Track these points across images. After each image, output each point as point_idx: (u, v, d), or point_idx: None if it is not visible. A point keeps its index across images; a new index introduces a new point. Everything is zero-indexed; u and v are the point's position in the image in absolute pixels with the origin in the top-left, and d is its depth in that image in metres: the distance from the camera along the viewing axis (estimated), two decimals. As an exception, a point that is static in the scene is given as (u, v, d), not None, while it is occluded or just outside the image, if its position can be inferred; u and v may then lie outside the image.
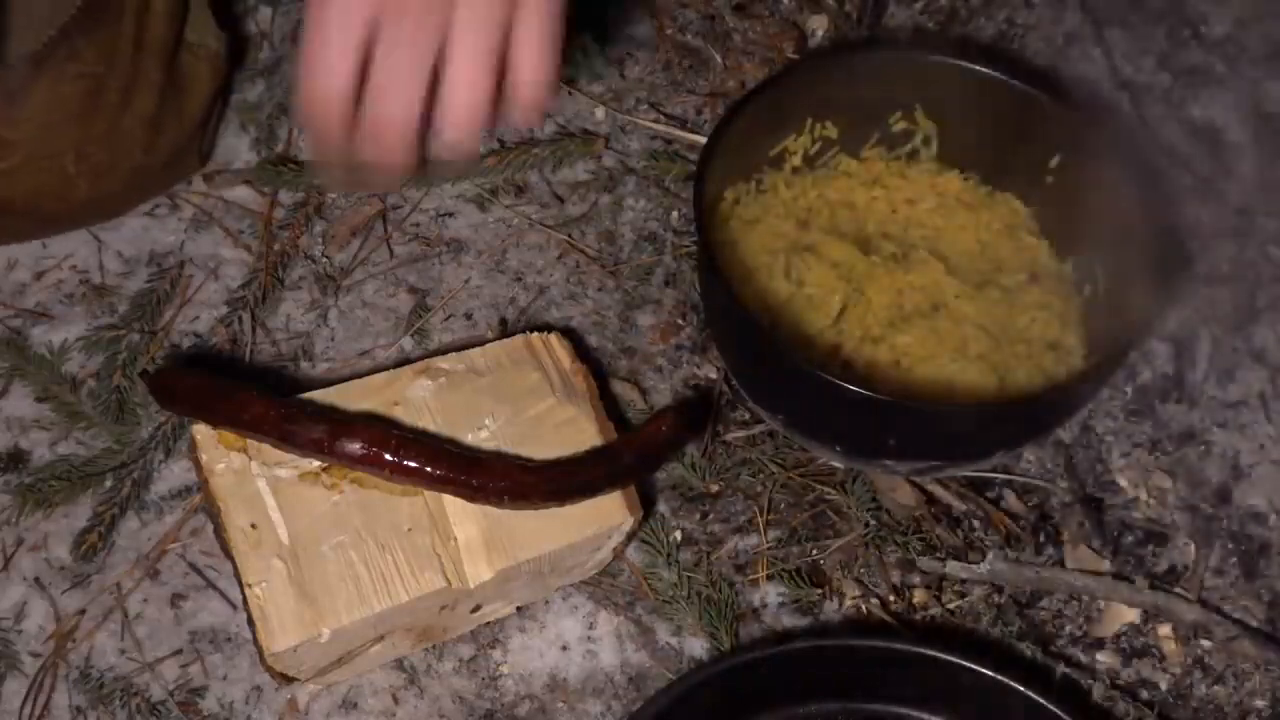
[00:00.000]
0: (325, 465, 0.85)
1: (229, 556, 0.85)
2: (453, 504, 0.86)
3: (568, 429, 0.90)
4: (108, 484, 0.98)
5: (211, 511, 0.86)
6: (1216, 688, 0.95)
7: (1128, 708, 0.93)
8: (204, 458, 0.85)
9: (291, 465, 0.85)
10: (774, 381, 1.00)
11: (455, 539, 0.86)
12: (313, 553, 0.83)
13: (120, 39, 1.01)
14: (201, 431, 0.85)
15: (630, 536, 0.93)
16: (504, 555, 0.86)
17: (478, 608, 0.91)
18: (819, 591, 0.97)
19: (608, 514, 0.89)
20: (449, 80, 0.77)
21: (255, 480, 0.84)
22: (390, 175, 0.80)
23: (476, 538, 0.86)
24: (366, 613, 0.83)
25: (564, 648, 0.94)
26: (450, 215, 1.14)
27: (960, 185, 1.10)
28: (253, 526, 0.83)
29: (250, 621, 0.83)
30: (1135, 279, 0.98)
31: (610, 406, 1.03)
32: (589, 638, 0.95)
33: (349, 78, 0.77)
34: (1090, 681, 0.94)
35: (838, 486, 1.01)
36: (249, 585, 0.82)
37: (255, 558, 0.83)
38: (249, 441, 0.85)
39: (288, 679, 0.86)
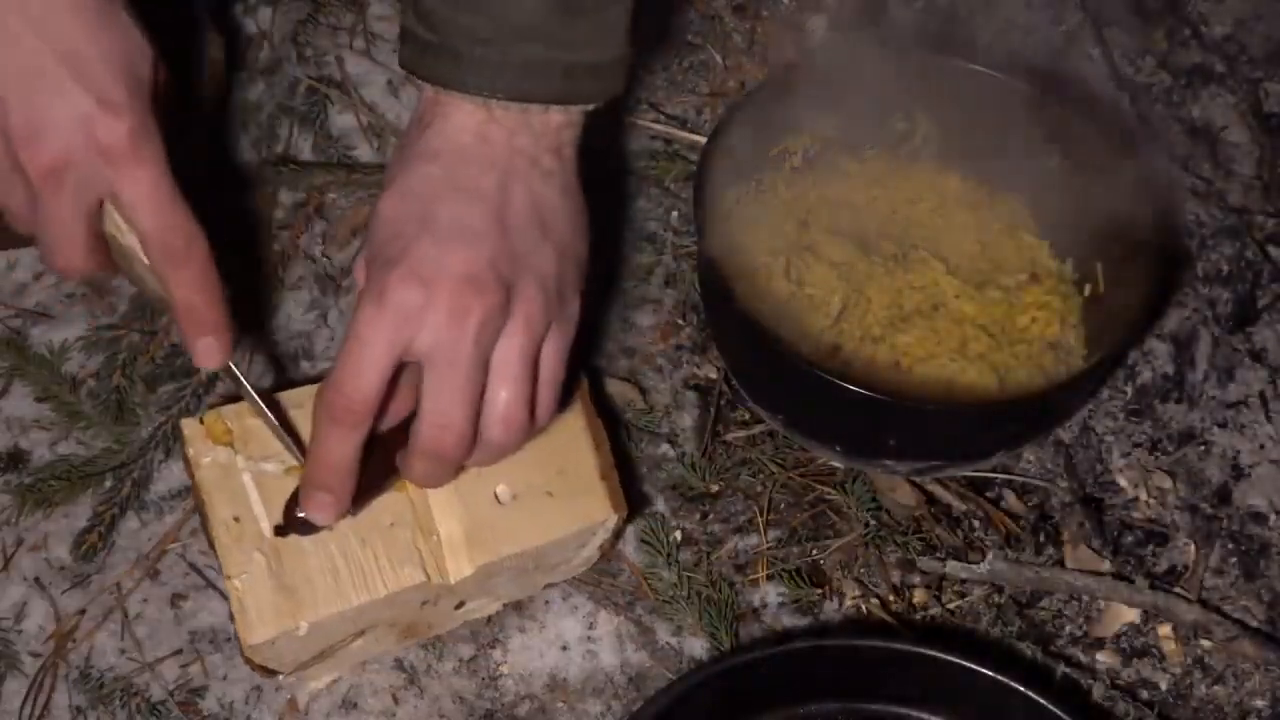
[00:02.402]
0: None
1: (213, 549, 0.85)
2: (436, 499, 0.86)
3: (555, 427, 0.89)
4: (108, 484, 0.98)
5: (197, 504, 0.86)
6: (1216, 688, 0.95)
7: (1128, 708, 0.93)
8: (191, 451, 0.85)
9: (278, 460, 0.85)
10: (774, 381, 1.00)
11: (437, 534, 0.86)
12: (294, 546, 0.83)
13: None
14: (190, 425, 0.86)
15: (617, 534, 0.93)
16: (485, 551, 0.86)
17: (461, 604, 0.91)
18: (819, 591, 0.97)
19: (590, 511, 0.89)
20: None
21: (240, 474, 0.85)
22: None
23: (458, 533, 0.86)
24: (344, 606, 0.83)
25: (564, 648, 0.94)
26: (450, 215, 1.14)
27: (960, 185, 1.10)
28: (235, 519, 0.83)
29: (231, 614, 0.83)
30: (1135, 279, 0.98)
31: (610, 407, 1.03)
32: (589, 638, 0.95)
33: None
34: (1090, 681, 0.94)
35: (838, 486, 1.01)
36: (229, 577, 0.82)
37: (237, 550, 0.83)
38: (236, 436, 0.85)
39: (269, 672, 0.86)
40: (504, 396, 0.80)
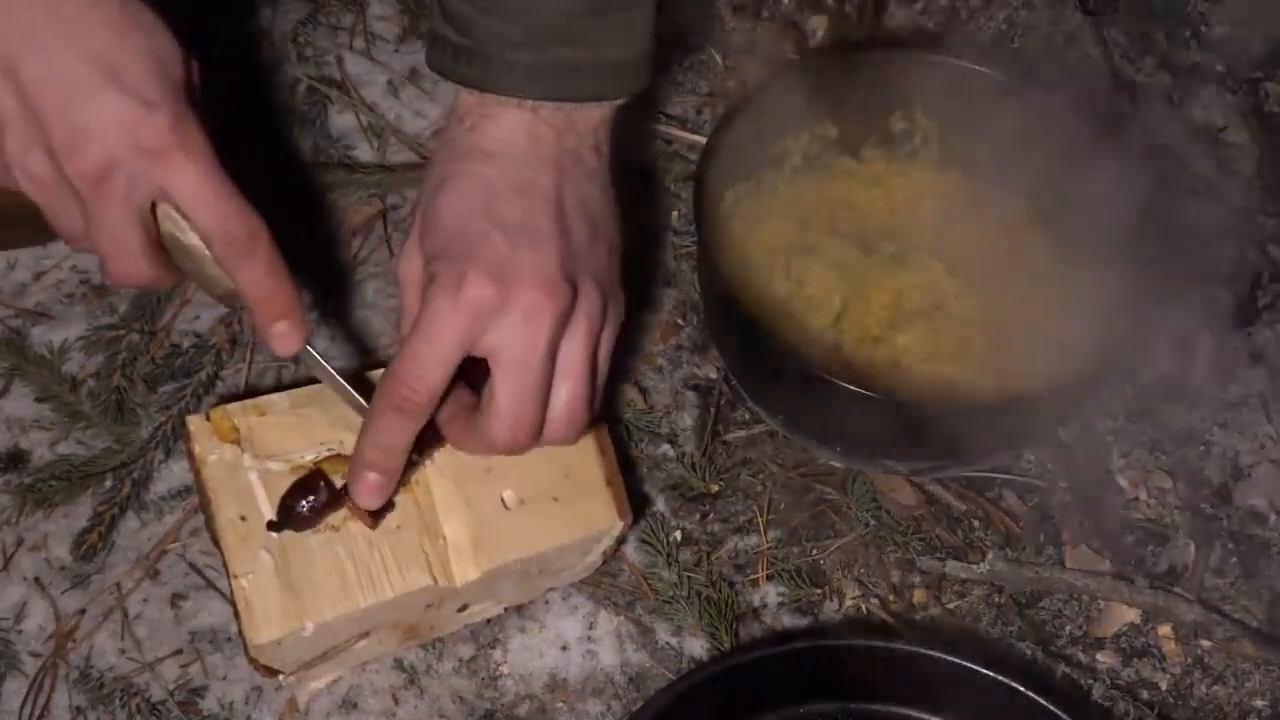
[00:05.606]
0: (317, 459, 0.85)
1: (218, 547, 0.85)
2: (442, 502, 0.86)
3: None
4: (108, 484, 0.98)
5: (202, 502, 0.86)
6: (1216, 688, 0.96)
7: (1128, 708, 0.93)
8: (197, 448, 0.85)
9: (283, 459, 0.85)
10: (774, 381, 1.00)
11: (444, 537, 0.86)
12: (300, 546, 0.83)
13: None
14: (195, 422, 0.86)
15: (620, 541, 0.93)
16: (491, 556, 0.86)
17: (465, 607, 0.91)
18: (819, 591, 0.97)
19: (597, 518, 0.89)
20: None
21: (247, 472, 0.84)
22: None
23: (465, 537, 0.86)
24: (351, 608, 0.83)
25: (564, 648, 0.94)
26: (450, 215, 1.14)
27: (960, 185, 1.10)
28: (242, 518, 0.83)
29: (236, 614, 0.83)
30: (1135, 278, 0.98)
31: (610, 407, 1.03)
32: (589, 638, 0.95)
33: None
34: (1090, 681, 0.94)
35: (838, 486, 1.01)
36: (235, 576, 0.82)
37: (243, 549, 0.83)
38: (242, 434, 0.85)
39: (272, 672, 0.86)
40: (566, 395, 0.81)
